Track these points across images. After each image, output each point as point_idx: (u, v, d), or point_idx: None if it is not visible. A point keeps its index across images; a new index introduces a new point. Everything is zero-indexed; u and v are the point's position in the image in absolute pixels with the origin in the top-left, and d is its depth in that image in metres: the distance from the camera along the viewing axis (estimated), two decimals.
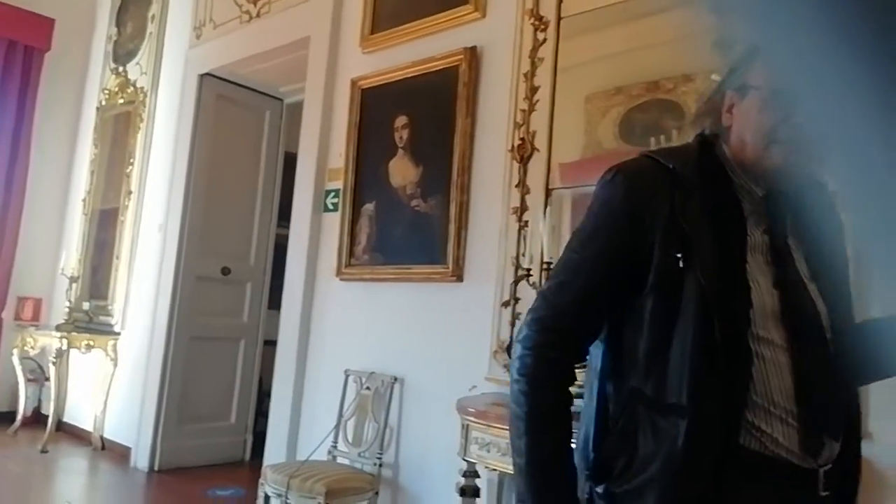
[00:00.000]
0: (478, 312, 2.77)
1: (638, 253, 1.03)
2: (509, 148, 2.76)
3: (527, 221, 2.67)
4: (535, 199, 2.66)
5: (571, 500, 1.04)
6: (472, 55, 2.95)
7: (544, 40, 2.71)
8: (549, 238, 2.46)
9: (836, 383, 1.01)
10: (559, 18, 2.67)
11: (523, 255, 2.64)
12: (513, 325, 2.64)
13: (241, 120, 4.67)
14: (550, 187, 2.62)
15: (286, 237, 3.75)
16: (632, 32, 2.47)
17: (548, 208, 2.57)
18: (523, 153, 2.71)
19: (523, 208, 2.69)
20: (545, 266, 2.41)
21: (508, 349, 2.62)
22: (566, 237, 2.59)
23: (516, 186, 2.72)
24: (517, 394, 1.06)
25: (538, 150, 2.68)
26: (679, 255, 1.00)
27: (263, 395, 4.54)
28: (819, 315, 1.03)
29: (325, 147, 3.59)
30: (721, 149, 1.11)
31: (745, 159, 1.07)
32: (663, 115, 2.34)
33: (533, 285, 2.56)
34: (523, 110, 2.74)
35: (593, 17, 2.59)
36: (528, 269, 2.61)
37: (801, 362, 0.99)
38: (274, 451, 3.48)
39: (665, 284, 1.01)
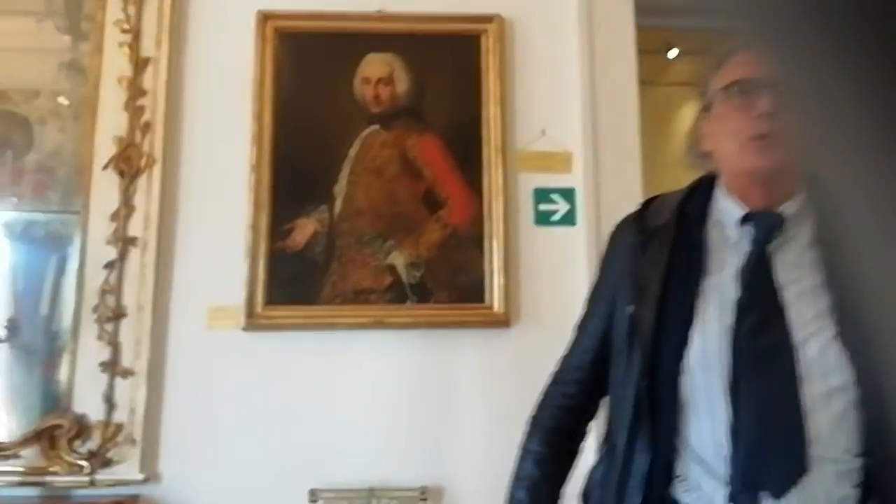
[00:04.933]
0: None
1: (612, 309, 1.02)
2: None
3: None
4: None
5: None
6: None
7: None
8: None
9: (785, 431, 0.85)
10: None
11: None
12: None
13: None
14: None
15: None
16: None
17: None
18: None
19: None
20: None
21: None
22: None
23: None
24: None
25: None
26: (630, 308, 0.95)
27: None
28: (793, 354, 0.86)
29: None
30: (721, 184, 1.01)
31: (731, 175, 0.97)
32: (13, 129, 2.06)
33: None
34: None
35: None
36: None
37: (741, 411, 0.86)
38: None
39: (619, 341, 0.98)
